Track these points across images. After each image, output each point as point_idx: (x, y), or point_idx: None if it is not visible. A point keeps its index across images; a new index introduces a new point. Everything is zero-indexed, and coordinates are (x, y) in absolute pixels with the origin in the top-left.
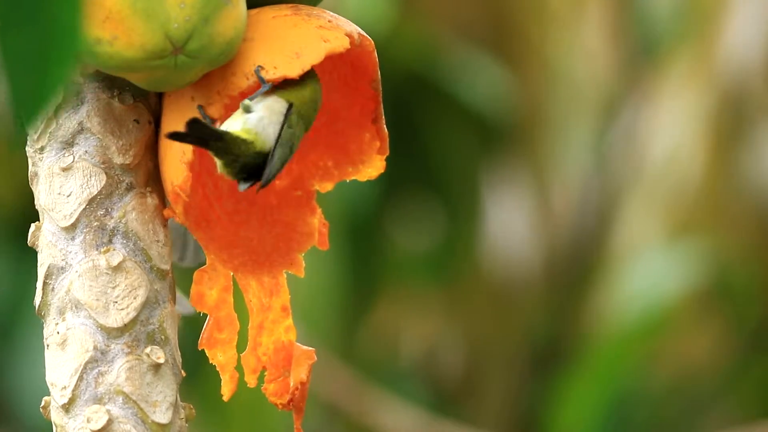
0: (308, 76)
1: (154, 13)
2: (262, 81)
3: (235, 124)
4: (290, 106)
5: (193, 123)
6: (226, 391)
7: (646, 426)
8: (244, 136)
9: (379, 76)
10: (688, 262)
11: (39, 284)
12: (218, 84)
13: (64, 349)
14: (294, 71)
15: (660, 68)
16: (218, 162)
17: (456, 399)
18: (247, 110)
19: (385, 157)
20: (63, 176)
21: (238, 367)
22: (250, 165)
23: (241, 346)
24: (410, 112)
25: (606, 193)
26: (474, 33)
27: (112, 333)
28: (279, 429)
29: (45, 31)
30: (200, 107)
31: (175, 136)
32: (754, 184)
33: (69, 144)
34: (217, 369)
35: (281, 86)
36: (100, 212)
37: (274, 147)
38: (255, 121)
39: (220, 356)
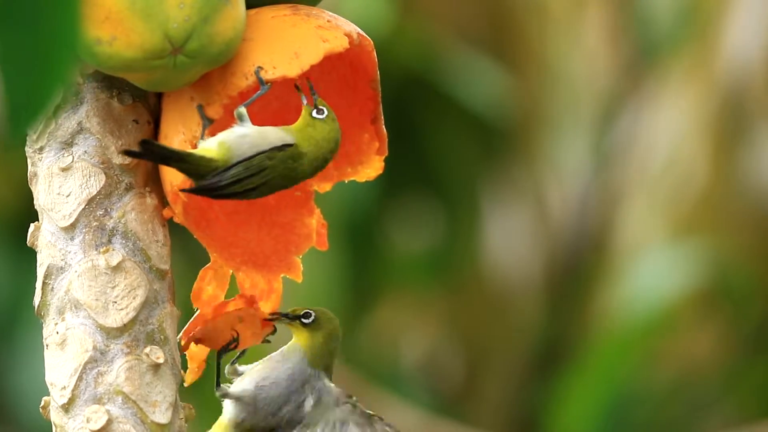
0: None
1: (154, 14)
2: (261, 82)
3: (218, 136)
4: (286, 145)
5: (144, 143)
6: (189, 379)
7: (646, 426)
8: (210, 153)
9: (378, 76)
10: (688, 262)
11: (38, 284)
12: (217, 84)
13: (64, 349)
14: (293, 71)
15: (660, 70)
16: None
17: (456, 400)
18: (240, 118)
19: (383, 157)
20: (62, 176)
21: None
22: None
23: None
24: (409, 114)
25: (606, 195)
26: (473, 34)
27: (112, 333)
28: None
29: (43, 34)
30: (200, 107)
31: (129, 153)
32: (755, 184)
33: (68, 144)
34: (187, 357)
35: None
36: (100, 212)
37: (234, 163)
38: (235, 136)
39: (194, 347)
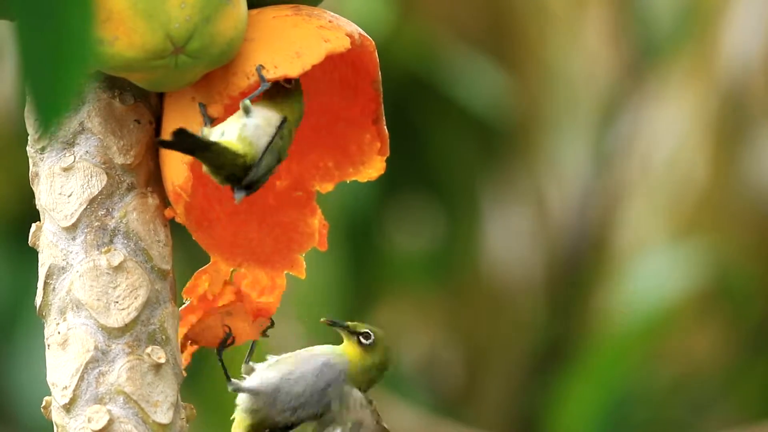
0: (297, 89)
1: (155, 13)
2: (262, 80)
3: (232, 130)
4: (284, 120)
5: (178, 133)
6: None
7: (646, 426)
8: (235, 147)
9: (380, 77)
10: (689, 262)
11: (40, 284)
12: (219, 84)
13: (65, 349)
14: (294, 71)
15: (661, 69)
16: (204, 167)
17: (456, 400)
18: (247, 111)
19: (385, 157)
20: (64, 176)
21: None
22: (237, 174)
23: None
24: (409, 114)
25: (606, 195)
26: (473, 34)
27: (113, 333)
28: None
29: (59, 33)
30: (201, 105)
31: (162, 144)
32: (755, 184)
33: (70, 144)
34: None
35: (274, 97)
36: (101, 212)
37: (262, 155)
38: (252, 129)
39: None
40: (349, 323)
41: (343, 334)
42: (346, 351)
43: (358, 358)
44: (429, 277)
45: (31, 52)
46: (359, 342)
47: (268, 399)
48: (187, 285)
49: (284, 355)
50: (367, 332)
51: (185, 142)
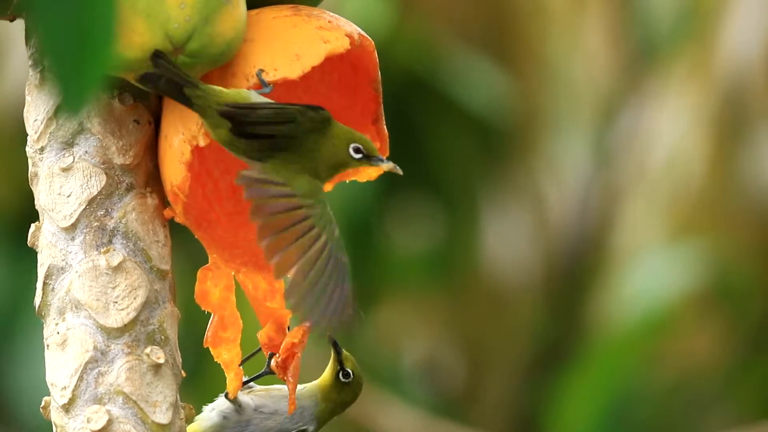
0: None
1: (155, 14)
2: (264, 84)
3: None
4: (320, 108)
5: (157, 56)
6: (232, 389)
7: (646, 426)
8: (230, 92)
9: (380, 77)
10: (688, 263)
11: (39, 284)
12: (218, 84)
13: (64, 349)
14: (294, 73)
15: (660, 69)
16: (205, 123)
17: (457, 400)
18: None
19: (385, 157)
20: (63, 176)
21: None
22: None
23: (244, 345)
24: (409, 115)
25: (606, 195)
26: (473, 35)
27: (112, 333)
28: None
29: (84, 18)
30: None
31: (144, 79)
32: (755, 185)
33: (69, 144)
34: (222, 367)
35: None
36: (100, 212)
37: (264, 105)
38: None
39: (225, 354)
40: (344, 351)
41: (333, 358)
42: (320, 386)
43: (329, 394)
44: (429, 277)
45: (55, 37)
46: (338, 377)
47: (239, 427)
48: (197, 290)
49: (265, 387)
50: (349, 372)
51: (168, 71)
